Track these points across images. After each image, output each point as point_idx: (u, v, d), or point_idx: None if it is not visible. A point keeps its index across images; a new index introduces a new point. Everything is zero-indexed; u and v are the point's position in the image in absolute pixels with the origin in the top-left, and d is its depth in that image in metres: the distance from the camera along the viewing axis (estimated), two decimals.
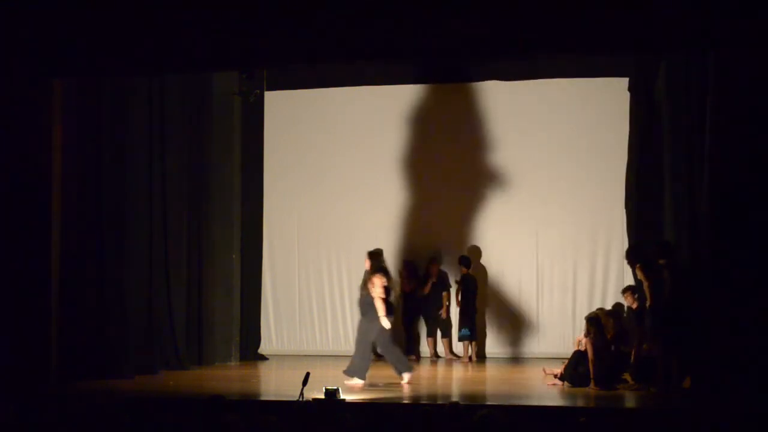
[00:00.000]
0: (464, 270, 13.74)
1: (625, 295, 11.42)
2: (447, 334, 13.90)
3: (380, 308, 10.64)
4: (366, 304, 10.80)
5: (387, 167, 14.49)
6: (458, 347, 13.88)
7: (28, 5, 10.28)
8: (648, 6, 9.29)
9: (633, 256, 10.54)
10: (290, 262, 14.80)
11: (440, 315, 13.85)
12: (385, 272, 10.88)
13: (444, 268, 14.05)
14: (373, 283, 10.71)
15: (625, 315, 11.44)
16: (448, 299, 13.87)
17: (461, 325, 13.68)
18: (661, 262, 9.98)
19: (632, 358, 10.64)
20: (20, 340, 10.15)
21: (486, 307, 14.12)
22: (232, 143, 13.81)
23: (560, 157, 13.93)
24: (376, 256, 11.07)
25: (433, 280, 13.83)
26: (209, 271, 13.20)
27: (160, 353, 12.00)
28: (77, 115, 11.04)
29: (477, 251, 14.16)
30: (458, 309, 13.80)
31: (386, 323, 10.68)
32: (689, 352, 9.69)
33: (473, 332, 13.62)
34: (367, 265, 11.07)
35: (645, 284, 10.16)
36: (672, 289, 9.82)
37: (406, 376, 10.67)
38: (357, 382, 10.57)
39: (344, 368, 10.75)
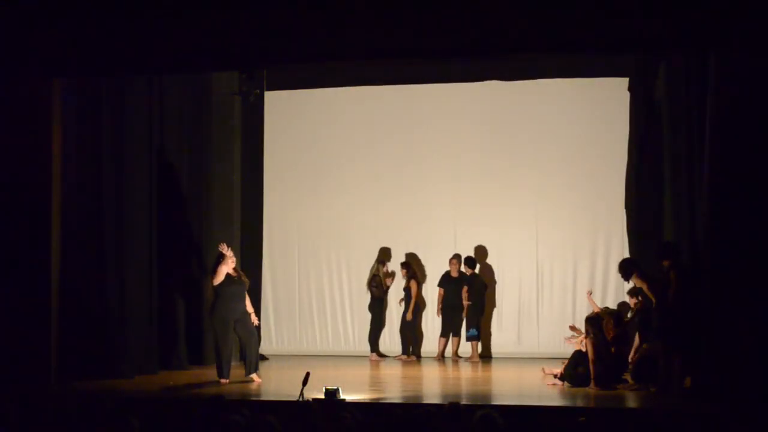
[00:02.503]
0: (469, 271, 13.72)
1: (632, 298, 11.38)
2: (458, 334, 13.83)
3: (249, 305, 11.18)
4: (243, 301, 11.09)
5: (387, 167, 14.48)
6: (464, 347, 13.82)
7: (28, 5, 10.29)
8: (648, 6, 9.29)
9: (627, 267, 10.38)
10: (290, 262, 14.79)
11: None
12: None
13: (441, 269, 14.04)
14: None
15: (629, 316, 11.40)
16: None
17: (468, 326, 13.68)
18: (666, 263, 9.93)
19: (631, 358, 10.62)
20: (20, 340, 10.15)
21: (486, 307, 14.11)
22: (232, 143, 13.81)
23: (560, 157, 13.93)
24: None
25: (454, 275, 13.75)
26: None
27: (160, 353, 12.01)
28: (77, 115, 11.04)
29: (483, 251, 14.14)
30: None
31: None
32: (690, 352, 9.67)
33: (479, 332, 13.64)
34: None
35: (645, 287, 10.11)
36: (676, 289, 9.78)
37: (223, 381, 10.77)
38: (258, 378, 10.78)
39: (246, 372, 10.86)
